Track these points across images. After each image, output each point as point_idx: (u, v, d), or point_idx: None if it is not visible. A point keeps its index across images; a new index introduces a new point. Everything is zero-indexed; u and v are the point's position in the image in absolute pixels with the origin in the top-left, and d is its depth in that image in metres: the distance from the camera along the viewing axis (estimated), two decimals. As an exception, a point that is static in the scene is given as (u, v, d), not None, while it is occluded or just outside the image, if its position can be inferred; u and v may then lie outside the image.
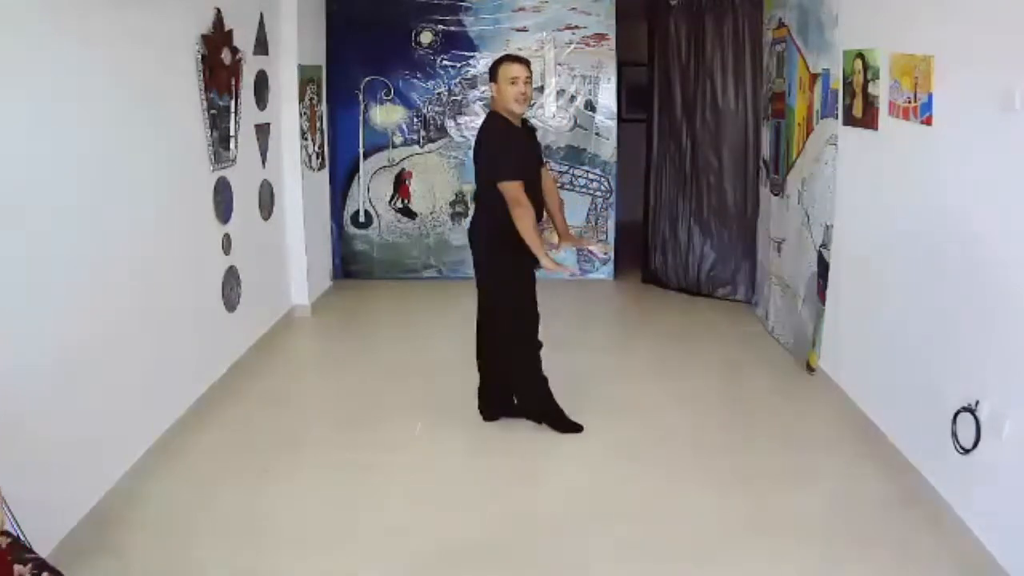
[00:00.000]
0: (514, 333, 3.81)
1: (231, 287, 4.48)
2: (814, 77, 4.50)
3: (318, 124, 6.00)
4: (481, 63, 6.42)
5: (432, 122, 6.57)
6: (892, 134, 3.57)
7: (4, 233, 2.59)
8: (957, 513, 2.94)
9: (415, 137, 6.59)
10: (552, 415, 3.90)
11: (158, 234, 3.64)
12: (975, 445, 2.82)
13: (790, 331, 4.94)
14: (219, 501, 3.27)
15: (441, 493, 3.37)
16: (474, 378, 4.03)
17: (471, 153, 3.84)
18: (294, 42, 5.39)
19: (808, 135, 4.62)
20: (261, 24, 4.99)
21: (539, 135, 4.23)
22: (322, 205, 6.22)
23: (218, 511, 3.19)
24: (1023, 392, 2.60)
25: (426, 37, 6.46)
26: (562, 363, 4.18)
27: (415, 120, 6.57)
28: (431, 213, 6.70)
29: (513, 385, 3.96)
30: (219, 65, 4.22)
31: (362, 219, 6.69)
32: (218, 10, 4.20)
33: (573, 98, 6.56)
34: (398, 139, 6.59)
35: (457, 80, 6.52)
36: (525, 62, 3.70)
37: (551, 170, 4.52)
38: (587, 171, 6.64)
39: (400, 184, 6.66)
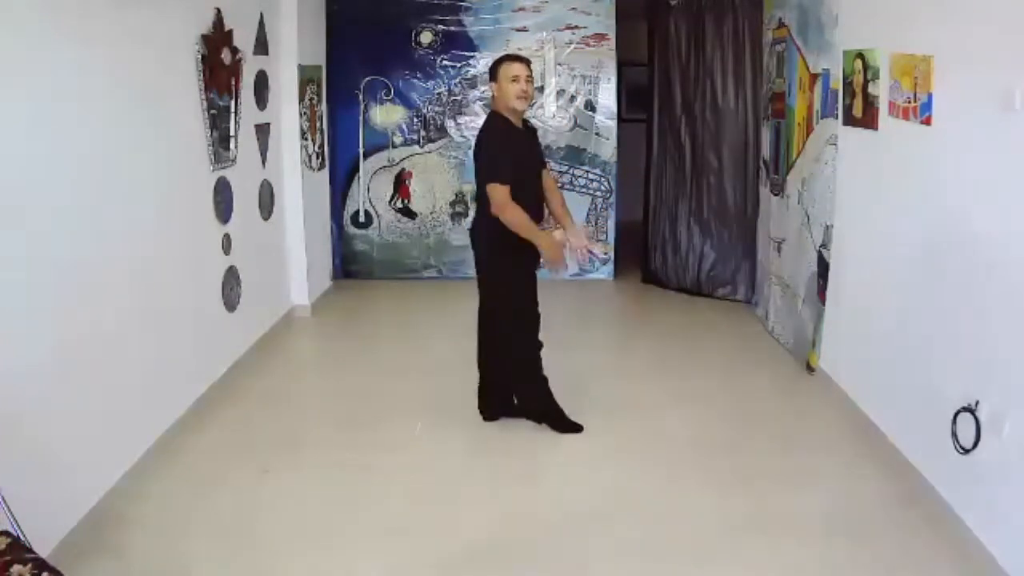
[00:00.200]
0: (514, 333, 3.81)
1: (231, 287, 4.48)
2: (814, 77, 4.50)
3: (318, 124, 6.00)
4: (481, 63, 6.43)
5: (432, 122, 6.57)
6: (892, 134, 3.57)
7: (4, 233, 2.59)
8: (957, 513, 2.94)
9: (415, 137, 6.59)
10: (552, 415, 3.90)
11: (158, 234, 3.64)
12: (975, 445, 2.82)
13: (790, 331, 4.94)
14: (219, 501, 3.27)
15: (441, 493, 3.37)
16: (474, 378, 4.03)
17: (471, 153, 3.85)
18: (294, 42, 5.39)
19: (808, 135, 4.62)
20: (261, 24, 4.99)
21: (539, 135, 4.23)
22: (322, 205, 6.22)
23: (218, 511, 3.19)
24: (1023, 392, 2.60)
25: (426, 37, 6.46)
26: (562, 363, 4.18)
27: (415, 120, 6.57)
28: (431, 213, 6.70)
29: (513, 385, 3.96)
30: (219, 65, 4.22)
31: (362, 219, 6.69)
32: (218, 10, 4.20)
33: (573, 98, 6.56)
34: (398, 139, 6.59)
35: (457, 80, 6.52)
36: (525, 61, 3.71)
37: (551, 170, 4.52)
38: (587, 171, 6.64)
39: (400, 184, 6.66)
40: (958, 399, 2.91)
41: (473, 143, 3.83)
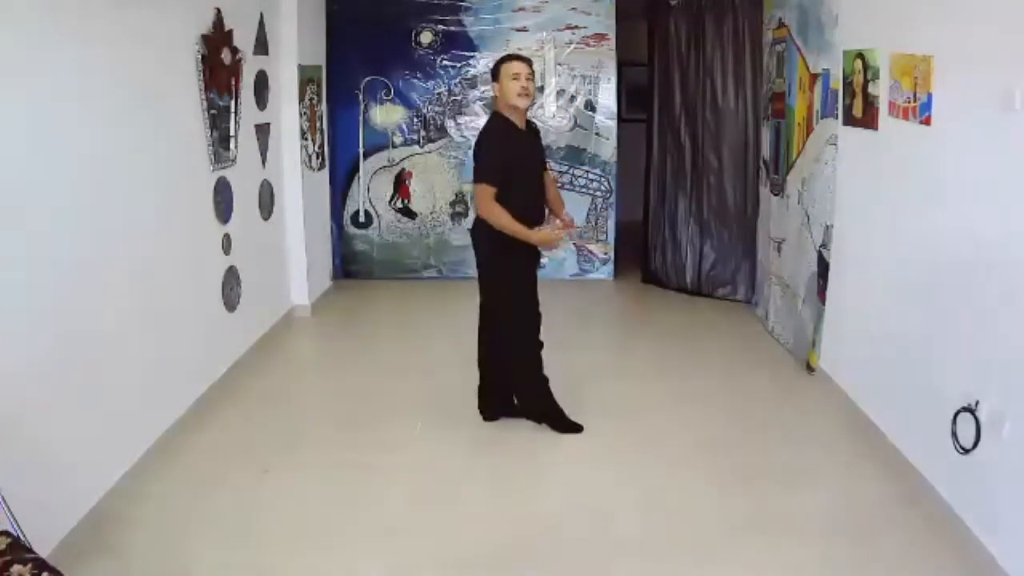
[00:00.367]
0: (515, 333, 3.82)
1: (231, 287, 4.48)
2: (814, 77, 4.50)
3: (318, 124, 6.00)
4: (481, 63, 6.43)
5: (432, 122, 6.57)
6: (892, 134, 3.57)
7: (4, 233, 2.59)
8: (957, 513, 2.94)
9: (415, 137, 6.59)
10: (552, 415, 3.90)
11: (158, 234, 3.64)
12: (975, 445, 2.82)
13: (790, 331, 4.94)
14: (219, 501, 3.27)
15: (441, 493, 3.37)
16: (474, 378, 4.03)
17: (471, 153, 3.85)
18: (294, 42, 5.39)
19: (808, 135, 4.62)
20: (261, 24, 4.99)
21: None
22: (322, 205, 6.22)
23: (218, 511, 3.19)
24: (1023, 392, 2.60)
25: (426, 37, 6.46)
26: (562, 363, 4.18)
27: (415, 120, 6.57)
28: (431, 213, 6.70)
29: (513, 385, 3.96)
30: (219, 65, 4.22)
31: (362, 219, 6.69)
32: (218, 10, 4.20)
33: (573, 98, 6.56)
34: (398, 139, 6.59)
35: (457, 80, 6.52)
36: (527, 60, 3.72)
37: (551, 170, 4.51)
38: (587, 171, 6.64)
39: (400, 184, 6.66)
40: (958, 399, 2.91)
41: (473, 143, 3.84)
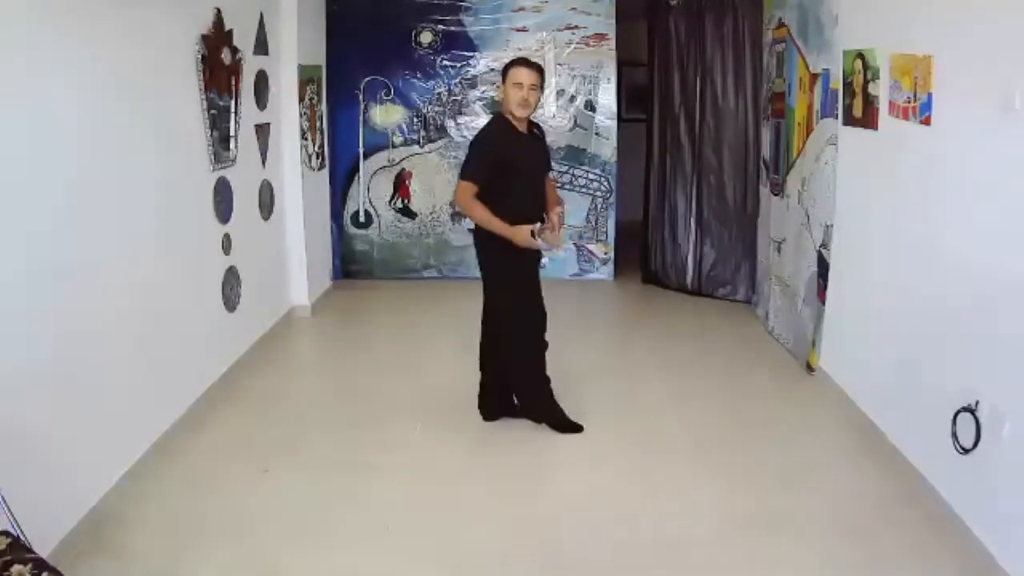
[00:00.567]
0: (515, 333, 3.82)
1: (231, 287, 4.48)
2: (814, 77, 4.50)
3: (318, 124, 6.00)
4: (481, 63, 6.44)
5: (432, 122, 6.57)
6: (892, 134, 3.57)
7: (4, 233, 2.58)
8: (957, 513, 2.94)
9: (415, 137, 6.59)
10: (552, 415, 3.90)
11: (158, 234, 3.64)
12: (975, 445, 2.82)
13: (790, 331, 4.94)
14: (219, 501, 3.26)
15: (441, 493, 3.37)
16: (475, 378, 4.03)
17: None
18: (294, 42, 5.39)
19: (808, 135, 4.62)
20: (261, 24, 4.99)
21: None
22: (322, 205, 6.22)
23: (218, 511, 3.19)
24: (1023, 392, 2.60)
25: (426, 37, 6.46)
26: (562, 363, 4.18)
27: (415, 120, 6.57)
28: (431, 213, 6.70)
29: (513, 385, 3.96)
30: (219, 65, 4.22)
31: (362, 219, 6.69)
32: (218, 10, 4.20)
33: (573, 98, 6.56)
34: (398, 139, 6.59)
35: (457, 80, 6.52)
36: (535, 67, 3.65)
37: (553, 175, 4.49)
38: (587, 171, 6.64)
39: (400, 184, 6.66)
40: (958, 399, 2.91)
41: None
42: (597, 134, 6.61)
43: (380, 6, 6.41)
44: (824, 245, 4.36)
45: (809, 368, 4.56)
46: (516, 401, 4.00)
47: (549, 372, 3.91)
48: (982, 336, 2.84)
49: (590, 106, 6.57)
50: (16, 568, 1.89)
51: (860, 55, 3.81)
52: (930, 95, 3.17)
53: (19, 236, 2.66)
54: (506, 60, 3.91)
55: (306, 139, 5.67)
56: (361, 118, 6.52)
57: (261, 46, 4.99)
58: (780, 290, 5.14)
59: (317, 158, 5.99)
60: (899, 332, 3.53)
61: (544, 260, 4.13)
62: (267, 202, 5.14)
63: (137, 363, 3.43)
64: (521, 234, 3.58)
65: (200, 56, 4.02)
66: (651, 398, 4.35)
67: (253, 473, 3.49)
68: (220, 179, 4.31)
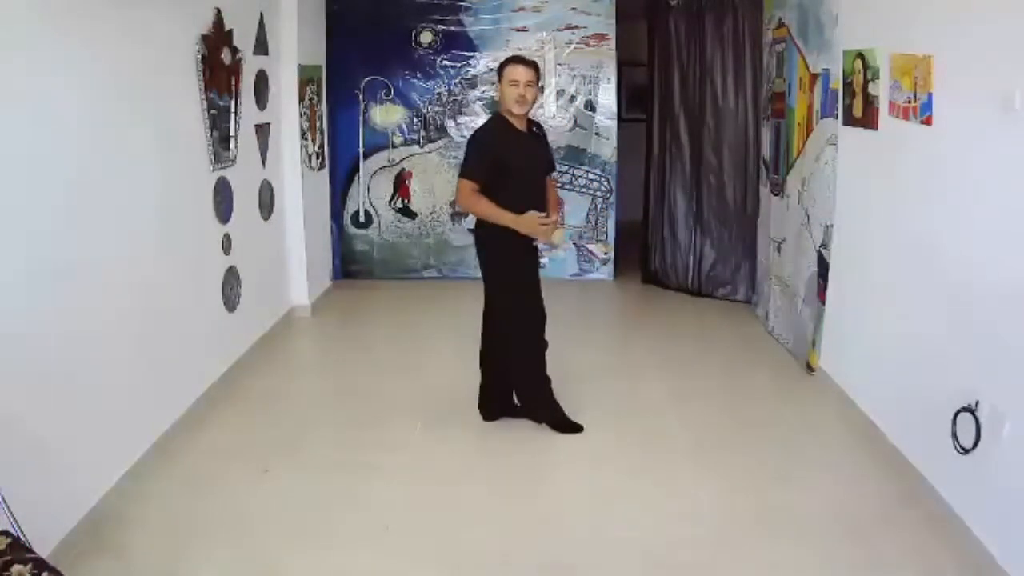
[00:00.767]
0: (516, 333, 3.82)
1: (231, 287, 4.48)
2: (814, 77, 4.50)
3: (318, 124, 6.00)
4: (481, 63, 6.44)
5: (432, 122, 6.57)
6: (892, 134, 3.57)
7: (4, 233, 2.58)
8: (957, 513, 2.94)
9: (415, 137, 6.59)
10: (552, 415, 3.90)
11: (158, 234, 3.64)
12: (975, 445, 2.82)
13: (790, 331, 4.94)
14: (219, 501, 3.26)
15: (441, 493, 3.37)
16: (475, 378, 4.03)
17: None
18: (294, 42, 5.39)
19: (808, 135, 4.62)
20: (261, 24, 4.99)
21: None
22: (322, 205, 6.22)
23: (218, 511, 3.19)
24: (1023, 392, 2.60)
25: (426, 37, 6.46)
26: (562, 363, 4.18)
27: (415, 120, 6.57)
28: (431, 213, 6.70)
29: (514, 385, 3.96)
30: (219, 65, 4.22)
31: (362, 219, 6.69)
32: (218, 10, 4.20)
33: (573, 98, 6.56)
34: (398, 139, 6.59)
35: (457, 80, 6.52)
36: (530, 64, 3.66)
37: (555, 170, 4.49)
38: (587, 171, 6.64)
39: (400, 184, 6.66)
40: (958, 399, 2.91)
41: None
42: (597, 134, 6.61)
43: (380, 6, 6.41)
44: (824, 245, 4.36)
45: (809, 368, 4.56)
46: (517, 401, 3.99)
47: (549, 372, 3.91)
48: (982, 336, 2.84)
49: (590, 106, 6.57)
50: (16, 568, 1.89)
51: (860, 55, 3.81)
52: (930, 95, 3.17)
53: (19, 236, 2.66)
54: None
55: (306, 139, 5.67)
56: (361, 118, 6.52)
57: (261, 46, 4.99)
58: (780, 290, 5.14)
59: (317, 158, 5.99)
60: (899, 332, 3.53)
61: (544, 260, 4.13)
62: (267, 202, 5.14)
63: (137, 363, 3.43)
64: (527, 221, 3.58)
65: (200, 56, 4.02)
66: (651, 398, 4.35)
67: (253, 473, 3.49)
68: (220, 179, 4.31)
